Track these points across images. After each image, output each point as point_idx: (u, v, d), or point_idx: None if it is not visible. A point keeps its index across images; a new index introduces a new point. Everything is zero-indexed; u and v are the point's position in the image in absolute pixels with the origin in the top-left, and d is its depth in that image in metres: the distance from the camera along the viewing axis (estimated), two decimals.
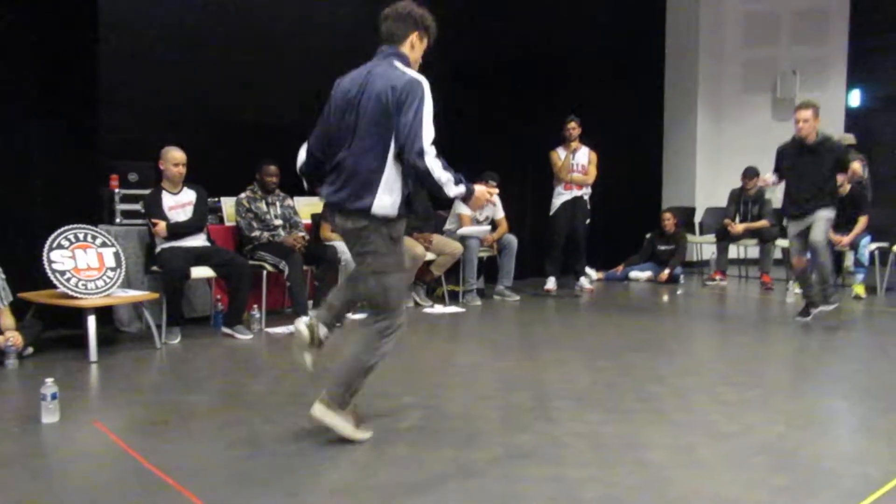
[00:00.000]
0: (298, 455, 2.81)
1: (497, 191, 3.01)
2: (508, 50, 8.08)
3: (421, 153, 2.65)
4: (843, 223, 6.98)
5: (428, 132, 2.68)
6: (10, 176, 5.04)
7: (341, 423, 2.88)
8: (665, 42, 10.14)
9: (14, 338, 4.20)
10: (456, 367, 4.41)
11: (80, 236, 4.61)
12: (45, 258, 4.38)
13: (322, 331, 2.99)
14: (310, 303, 5.53)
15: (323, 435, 2.92)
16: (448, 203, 6.98)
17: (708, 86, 10.15)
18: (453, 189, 2.72)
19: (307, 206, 6.25)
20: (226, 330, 5.17)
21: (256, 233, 5.56)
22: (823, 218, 5.35)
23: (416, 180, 2.79)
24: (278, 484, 2.55)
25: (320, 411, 2.87)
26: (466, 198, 2.84)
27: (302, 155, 3.13)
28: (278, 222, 5.69)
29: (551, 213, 7.36)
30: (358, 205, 2.78)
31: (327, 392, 2.89)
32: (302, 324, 2.97)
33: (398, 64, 2.83)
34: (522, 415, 3.33)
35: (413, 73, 2.80)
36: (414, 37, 2.91)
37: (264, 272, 5.43)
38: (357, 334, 3.02)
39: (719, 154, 10.18)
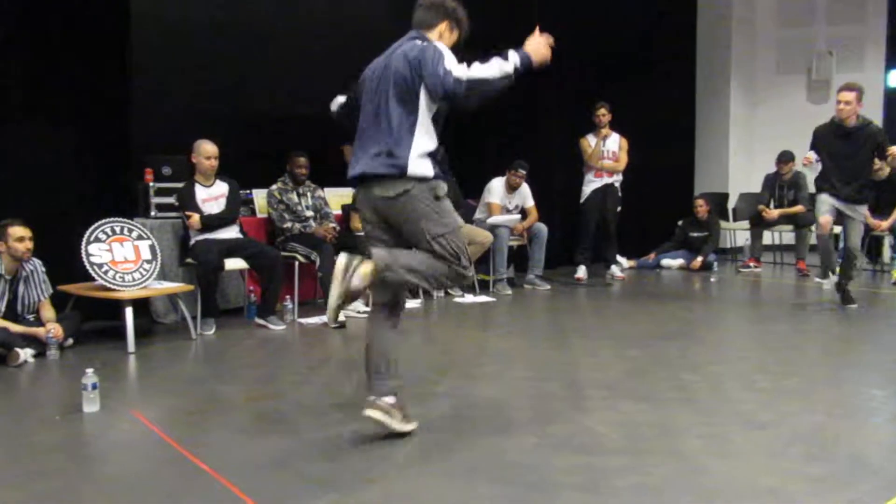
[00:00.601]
0: (331, 444, 2.83)
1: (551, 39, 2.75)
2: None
3: (447, 75, 2.56)
4: (882, 207, 6.82)
5: (451, 62, 2.60)
6: (47, 171, 5.15)
7: (390, 421, 2.80)
8: (697, 23, 9.94)
9: (55, 329, 4.30)
10: (487, 356, 4.42)
11: (117, 229, 4.70)
12: (83, 251, 4.47)
13: None
14: None
15: (355, 424, 2.94)
16: (474, 192, 6.97)
17: (741, 68, 9.93)
18: (503, 68, 2.60)
19: (337, 197, 6.28)
20: (259, 321, 5.24)
21: (288, 224, 5.61)
22: (860, 220, 5.38)
23: (472, 100, 2.64)
24: (312, 472, 2.58)
25: (375, 414, 2.78)
26: (527, 64, 2.67)
27: (339, 100, 3.11)
28: (309, 213, 5.73)
29: (582, 200, 7.31)
30: (393, 170, 2.69)
31: (375, 391, 2.81)
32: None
33: (418, 41, 2.79)
34: (555, 403, 3.33)
35: (430, 41, 2.76)
36: (443, 26, 2.87)
37: (296, 263, 5.49)
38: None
39: (753, 138, 9.99)
